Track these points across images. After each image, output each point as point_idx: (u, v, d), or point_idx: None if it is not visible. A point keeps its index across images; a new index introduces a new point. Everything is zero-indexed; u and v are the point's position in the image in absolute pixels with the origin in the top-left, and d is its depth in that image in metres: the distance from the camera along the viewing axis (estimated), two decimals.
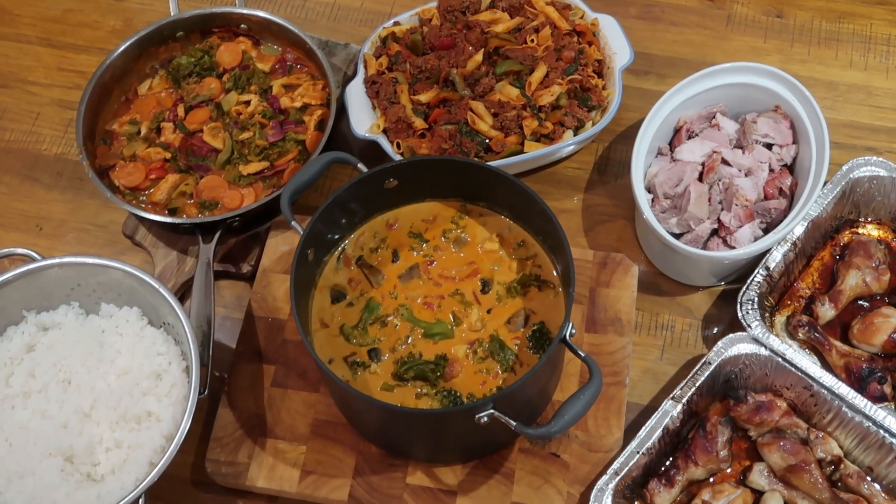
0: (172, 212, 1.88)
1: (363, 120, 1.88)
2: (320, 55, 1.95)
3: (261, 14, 2.01)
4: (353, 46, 2.13)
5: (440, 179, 1.64)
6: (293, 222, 1.56)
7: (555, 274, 1.43)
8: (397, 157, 1.85)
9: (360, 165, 1.62)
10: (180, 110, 1.97)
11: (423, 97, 1.90)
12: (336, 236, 1.62)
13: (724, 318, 1.63)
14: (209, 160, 1.92)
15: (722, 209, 1.63)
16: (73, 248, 1.95)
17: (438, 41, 1.95)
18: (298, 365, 1.53)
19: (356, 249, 1.64)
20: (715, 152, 1.69)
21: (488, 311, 1.43)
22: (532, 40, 1.94)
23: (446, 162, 1.60)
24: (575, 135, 1.85)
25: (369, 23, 2.17)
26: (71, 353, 1.66)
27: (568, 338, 1.21)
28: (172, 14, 2.03)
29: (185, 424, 1.41)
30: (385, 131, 1.89)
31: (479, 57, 1.93)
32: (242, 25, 2.05)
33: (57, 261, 1.67)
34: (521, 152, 1.72)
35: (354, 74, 1.84)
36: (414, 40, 1.96)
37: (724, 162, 1.68)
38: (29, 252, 1.72)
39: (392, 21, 2.02)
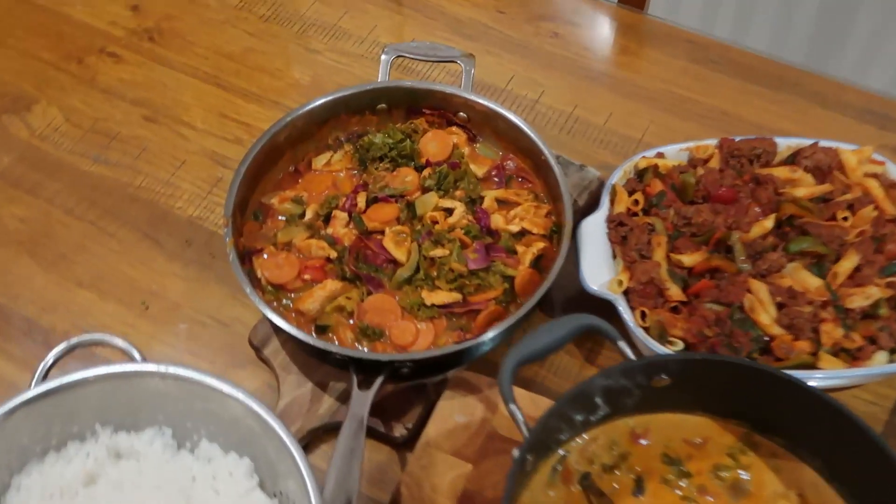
0: (322, 330, 1.38)
1: (598, 269, 1.38)
2: (558, 172, 1.47)
3: (490, 105, 1.56)
4: (591, 171, 1.65)
5: (719, 386, 1.11)
6: (513, 409, 1.04)
7: None
8: (639, 331, 1.32)
9: (624, 348, 1.10)
10: (360, 200, 1.50)
11: (687, 259, 1.39)
12: (558, 435, 1.09)
13: None
14: (384, 273, 1.43)
15: None
16: (181, 344, 1.47)
17: (717, 191, 1.44)
18: None
19: (583, 462, 1.10)
20: None
21: None
22: (844, 218, 1.42)
23: (749, 371, 1.06)
24: (890, 360, 1.30)
25: (613, 147, 1.69)
26: (145, 500, 1.16)
27: None
28: (379, 80, 1.59)
29: None
30: (627, 292, 1.37)
31: (768, 223, 1.42)
32: (461, 113, 1.59)
33: (161, 369, 1.18)
34: (813, 366, 1.18)
35: (588, 206, 1.54)
36: (685, 182, 1.46)
37: None
38: (128, 347, 1.24)
39: (655, 151, 1.52)
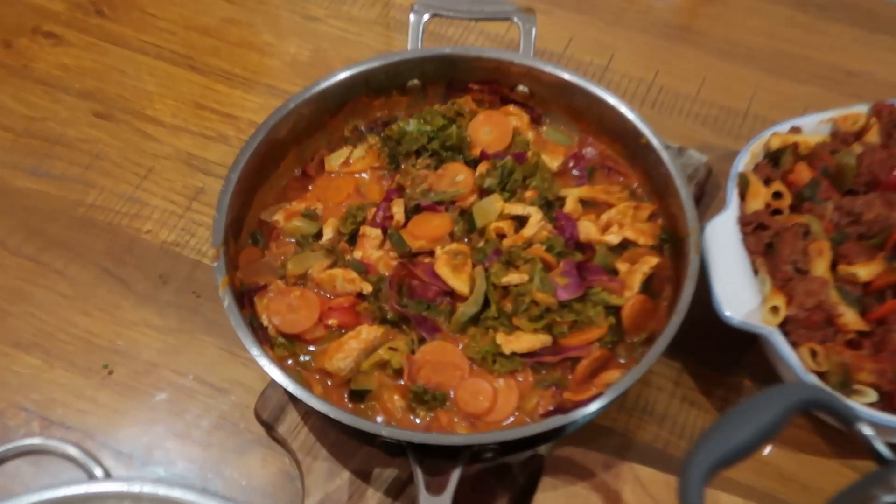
0: (359, 397, 0.99)
1: (736, 290, 1.00)
2: (667, 159, 1.07)
3: (562, 74, 1.15)
4: (693, 154, 1.25)
5: None
6: None
7: None
8: (811, 378, 0.93)
9: (869, 435, 0.70)
10: (397, 210, 1.10)
11: (862, 271, 1.00)
12: None
13: None
14: (439, 311, 1.03)
15: None
16: (160, 423, 1.06)
17: (888, 175, 1.04)
18: None
19: None
20: None
21: None
22: None
23: None
24: None
25: (713, 122, 1.31)
26: None
27: None
28: (409, 49, 1.18)
29: None
30: (784, 322, 0.97)
31: None
32: (520, 87, 1.19)
33: (132, 489, 0.77)
34: None
35: (697, 200, 1.18)
36: (842, 165, 1.07)
37: None
38: (84, 458, 0.83)
39: (788, 125, 1.13)
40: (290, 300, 1.05)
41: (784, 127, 1.16)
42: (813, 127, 1.16)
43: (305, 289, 1.05)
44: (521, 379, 1.02)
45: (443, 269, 1.06)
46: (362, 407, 1.00)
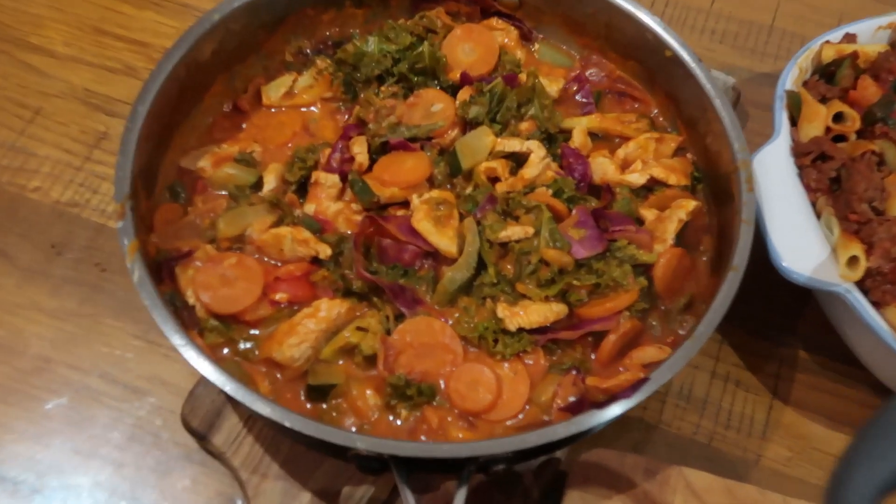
0: (319, 394, 0.76)
1: (798, 239, 0.76)
2: (701, 76, 0.84)
3: None
4: (719, 76, 1.02)
5: None
6: None
7: None
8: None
9: None
10: (359, 149, 0.86)
11: None
12: None
13: None
14: (420, 278, 0.79)
15: None
16: (55, 436, 0.80)
17: None
18: None
19: None
20: None
21: None
22: None
23: None
24: None
25: (733, 38, 1.12)
26: None
27: None
28: None
29: None
30: (864, 278, 0.76)
31: None
32: None
33: None
34: None
35: None
36: None
37: None
38: None
39: (841, 33, 0.91)
40: (223, 270, 0.80)
41: (836, 34, 0.94)
42: (870, 35, 0.95)
43: (243, 254, 0.82)
44: (531, 362, 0.79)
45: (422, 224, 0.82)
46: (325, 408, 0.77)
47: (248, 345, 0.79)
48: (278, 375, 0.78)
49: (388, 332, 0.79)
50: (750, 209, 0.79)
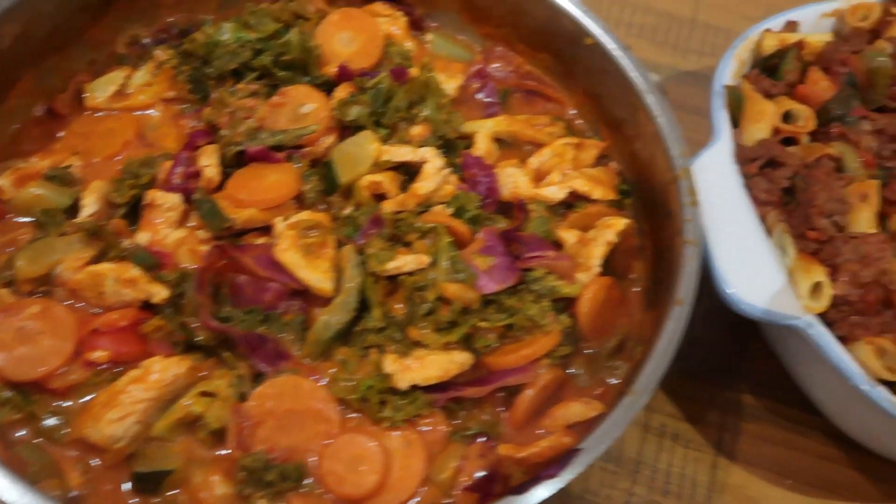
0: (150, 485, 0.55)
1: (746, 262, 0.62)
2: (629, 67, 0.69)
3: None
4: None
5: None
6: None
7: None
8: (881, 395, 0.58)
9: None
10: (208, 161, 0.67)
11: None
12: None
13: None
14: (286, 324, 0.60)
15: None
16: None
17: None
18: None
19: None
20: None
21: None
22: None
23: None
24: None
25: (651, 32, 1.01)
26: None
27: None
28: None
29: None
30: (831, 305, 0.62)
31: None
32: None
33: None
34: None
35: None
36: (871, 70, 0.72)
37: None
38: None
39: (782, 20, 0.78)
40: (21, 322, 0.61)
41: (777, 22, 0.80)
42: (813, 23, 0.82)
43: (50, 300, 0.62)
44: (428, 429, 0.62)
45: (287, 255, 0.64)
46: (156, 502, 0.57)
47: (55, 421, 0.61)
48: (94, 461, 0.59)
49: (243, 398, 0.61)
50: (695, 227, 0.64)
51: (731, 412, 0.75)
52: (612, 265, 0.71)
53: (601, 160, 0.76)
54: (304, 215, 0.67)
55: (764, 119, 0.74)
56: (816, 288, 0.66)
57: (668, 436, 0.73)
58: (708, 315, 0.70)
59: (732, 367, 0.77)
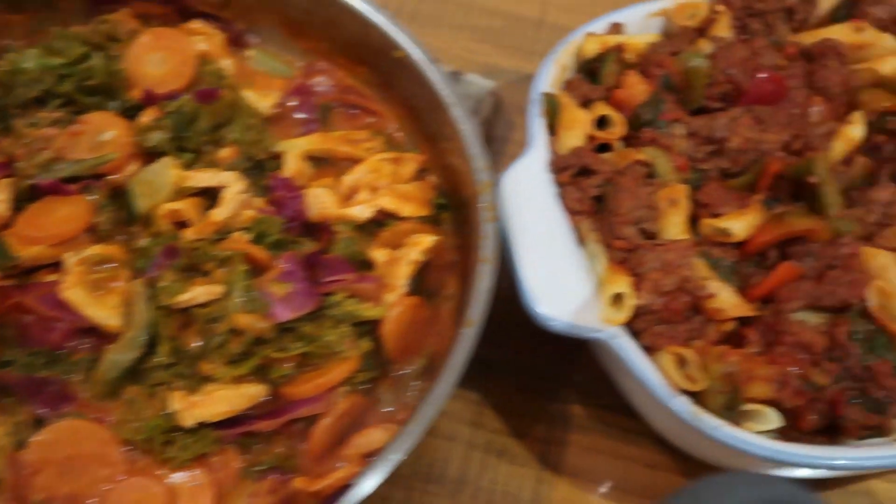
0: None
1: (556, 275, 0.61)
2: (436, 80, 0.68)
3: None
4: (474, 80, 0.87)
5: None
6: None
7: None
8: (681, 405, 0.57)
9: None
10: None
11: (734, 223, 0.66)
12: None
13: None
14: (74, 363, 0.58)
15: None
16: None
17: (753, 82, 0.70)
18: None
19: None
20: None
21: None
22: None
23: None
24: None
25: (496, 35, 0.99)
26: None
27: None
28: None
29: None
30: (635, 318, 0.61)
31: (853, 130, 0.70)
32: None
33: None
34: None
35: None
36: (688, 71, 0.71)
37: None
38: None
39: (604, 22, 0.77)
40: None
41: (600, 25, 0.79)
42: (639, 23, 0.81)
43: None
44: (219, 466, 0.60)
45: (72, 292, 0.62)
46: None
47: None
48: None
49: (21, 446, 0.59)
50: (490, 245, 0.63)
51: (559, 424, 0.74)
52: (426, 283, 0.69)
53: (420, 174, 0.75)
54: (96, 249, 0.65)
55: (577, 126, 0.72)
56: (620, 298, 0.65)
57: (493, 452, 0.72)
58: (532, 328, 0.68)
59: (562, 377, 0.76)
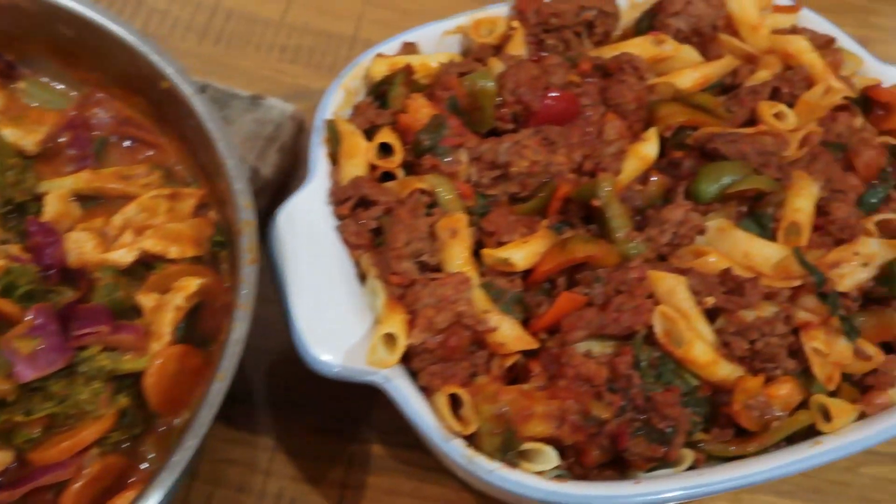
0: None
1: (333, 316, 0.58)
2: (202, 113, 0.64)
3: None
4: (275, 105, 0.84)
5: None
6: None
7: None
8: (455, 449, 0.55)
9: None
10: None
11: (516, 252, 0.64)
12: None
13: None
14: None
15: None
16: None
17: (542, 101, 0.69)
18: None
19: None
20: None
21: None
22: (776, 115, 0.73)
23: None
24: None
25: (308, 55, 0.95)
26: None
27: None
28: None
29: None
30: (408, 357, 0.58)
31: (646, 147, 0.69)
32: None
33: None
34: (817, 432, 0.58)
35: (284, 177, 0.81)
36: (477, 92, 0.69)
37: None
38: None
39: (398, 42, 0.74)
40: None
41: (393, 45, 0.76)
42: (435, 42, 0.79)
43: None
44: None
45: None
46: None
47: None
48: None
49: None
50: (247, 290, 0.59)
51: (357, 466, 0.70)
52: (200, 328, 0.65)
53: (200, 210, 0.71)
54: None
55: (358, 155, 0.69)
56: (392, 339, 0.62)
57: (286, 500, 0.69)
58: None
59: (361, 417, 0.73)
